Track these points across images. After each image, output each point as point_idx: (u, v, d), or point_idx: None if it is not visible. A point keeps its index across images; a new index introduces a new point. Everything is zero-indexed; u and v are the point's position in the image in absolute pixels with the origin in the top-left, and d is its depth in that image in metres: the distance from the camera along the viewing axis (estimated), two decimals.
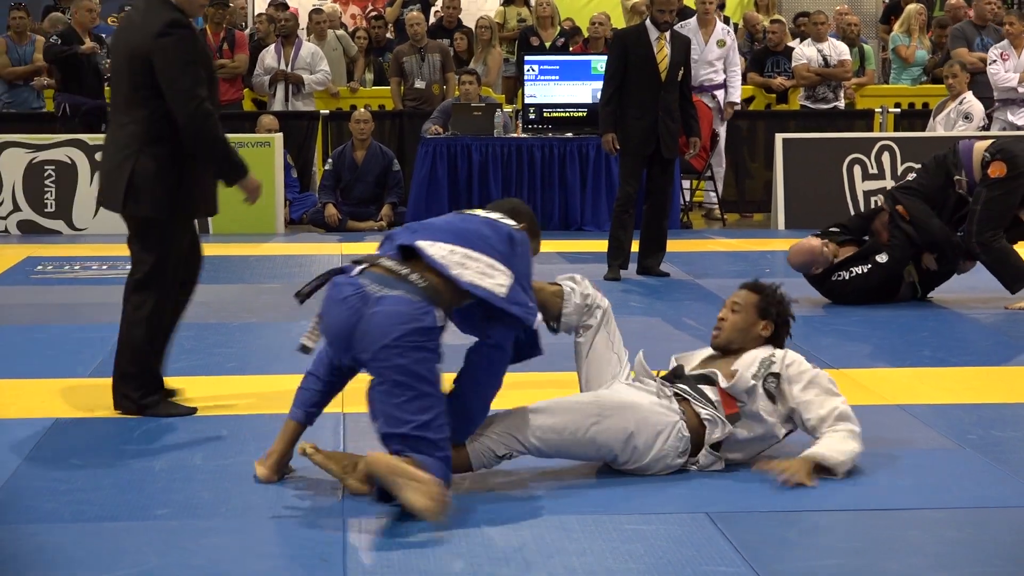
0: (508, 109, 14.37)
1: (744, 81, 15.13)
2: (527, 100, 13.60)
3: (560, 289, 5.36)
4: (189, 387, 6.48)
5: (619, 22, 16.20)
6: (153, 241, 6.08)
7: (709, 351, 5.51)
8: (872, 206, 11.96)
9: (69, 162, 13.20)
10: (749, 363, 5.27)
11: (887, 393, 6.63)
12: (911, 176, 9.31)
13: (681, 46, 10.36)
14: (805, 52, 14.93)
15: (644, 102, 10.17)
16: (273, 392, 6.54)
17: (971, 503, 4.94)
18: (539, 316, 5.05)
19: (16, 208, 13.22)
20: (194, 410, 6.20)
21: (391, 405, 4.73)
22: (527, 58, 13.95)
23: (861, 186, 13.39)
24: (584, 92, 13.39)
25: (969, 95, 13.51)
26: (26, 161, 13.20)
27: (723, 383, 5.23)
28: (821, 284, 9.15)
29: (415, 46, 14.89)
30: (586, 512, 4.78)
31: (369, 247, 12.22)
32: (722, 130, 13.99)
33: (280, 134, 13.40)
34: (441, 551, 4.44)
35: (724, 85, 13.94)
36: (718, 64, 13.82)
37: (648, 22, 10.34)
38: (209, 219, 6.20)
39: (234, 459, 5.45)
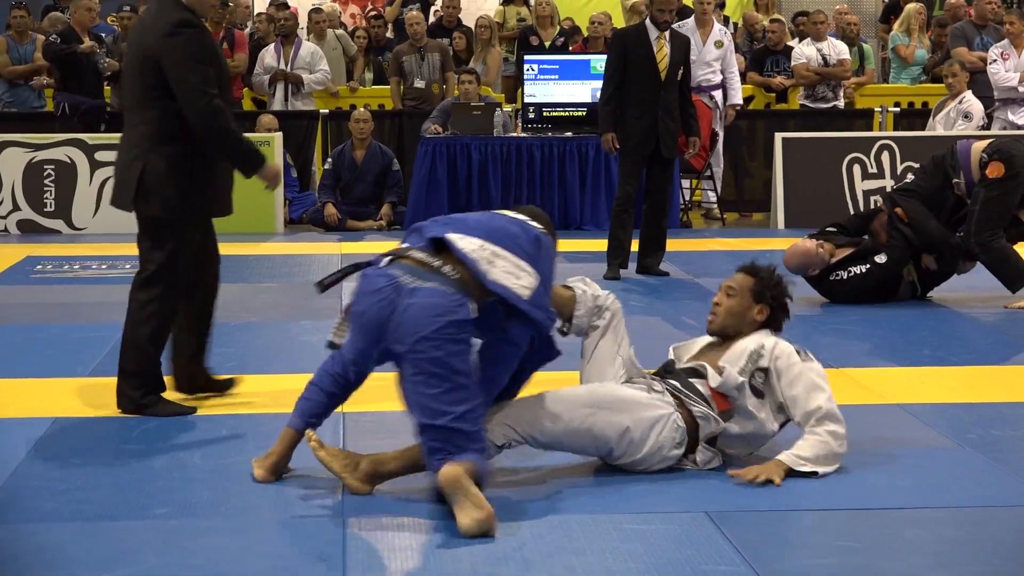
0: (508, 108, 14.36)
1: (744, 80, 15.13)
2: (527, 99, 13.60)
3: (573, 294, 5.37)
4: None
5: (620, 22, 16.19)
6: (162, 240, 6.10)
7: (707, 339, 5.50)
8: (872, 205, 11.98)
9: (69, 161, 13.19)
10: (737, 357, 5.26)
11: (887, 392, 6.63)
12: (909, 178, 9.32)
13: (681, 46, 10.36)
14: (804, 51, 14.93)
15: (644, 101, 10.17)
16: (272, 391, 6.54)
17: (970, 502, 4.94)
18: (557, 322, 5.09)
19: (16, 207, 13.22)
20: (193, 410, 6.20)
21: (427, 396, 4.73)
22: (526, 57, 13.94)
23: (861, 185, 13.38)
24: (584, 91, 13.39)
25: (969, 94, 13.50)
26: (25, 160, 13.19)
27: (712, 381, 5.22)
28: (819, 284, 9.15)
29: (415, 45, 14.89)
30: (586, 512, 4.78)
31: (368, 246, 12.25)
32: (720, 129, 13.97)
33: (280, 133, 13.39)
34: (441, 550, 4.44)
35: (722, 86, 13.93)
36: (716, 64, 13.81)
37: (648, 22, 10.34)
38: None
39: (233, 459, 5.45)
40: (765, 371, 5.23)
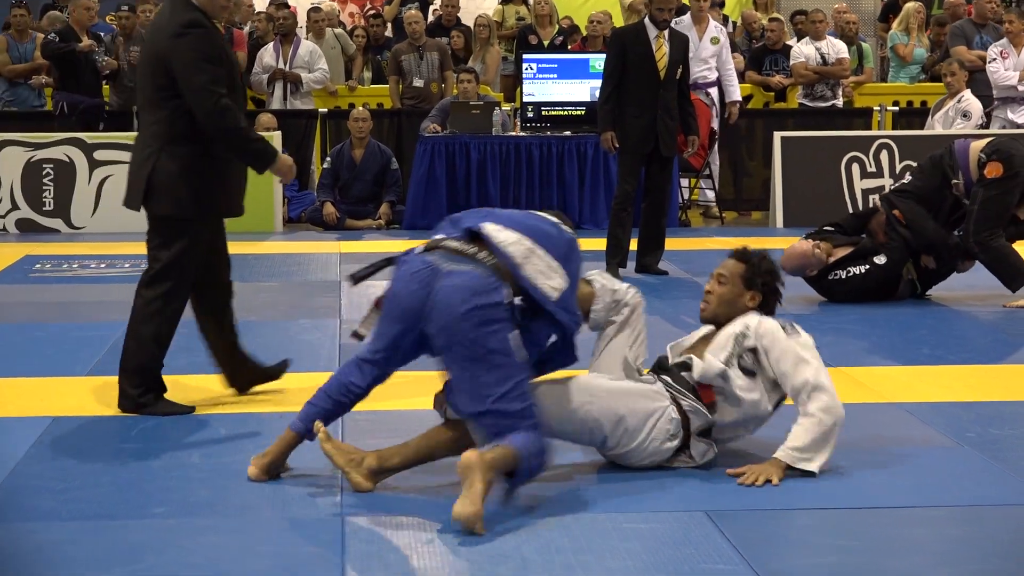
0: (506, 107, 14.37)
1: (742, 79, 15.14)
2: (525, 98, 13.60)
3: (592, 289, 5.37)
4: (186, 385, 6.48)
5: (620, 20, 16.19)
6: (171, 239, 6.11)
7: (702, 332, 5.48)
8: (870, 204, 11.97)
9: (67, 160, 13.19)
10: (724, 343, 5.25)
11: (885, 391, 6.63)
12: (906, 178, 9.32)
13: (680, 44, 10.37)
14: (803, 50, 14.93)
15: (643, 100, 10.17)
16: (271, 390, 6.54)
17: (969, 501, 4.94)
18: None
19: (14, 206, 13.22)
20: (192, 409, 6.20)
21: (467, 381, 4.76)
22: (525, 56, 13.94)
23: (859, 184, 13.38)
24: (582, 90, 13.39)
25: (967, 93, 13.50)
26: (24, 159, 13.19)
27: (696, 372, 5.22)
28: (818, 284, 9.15)
29: (413, 44, 14.89)
30: (585, 511, 4.78)
31: (367, 245, 12.25)
32: (715, 126, 13.96)
33: (278, 132, 13.38)
34: (439, 549, 4.44)
35: (717, 83, 13.92)
36: (712, 62, 13.80)
37: (647, 20, 10.34)
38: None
39: (232, 458, 5.45)
40: (753, 350, 5.21)
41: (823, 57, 14.86)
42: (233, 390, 6.49)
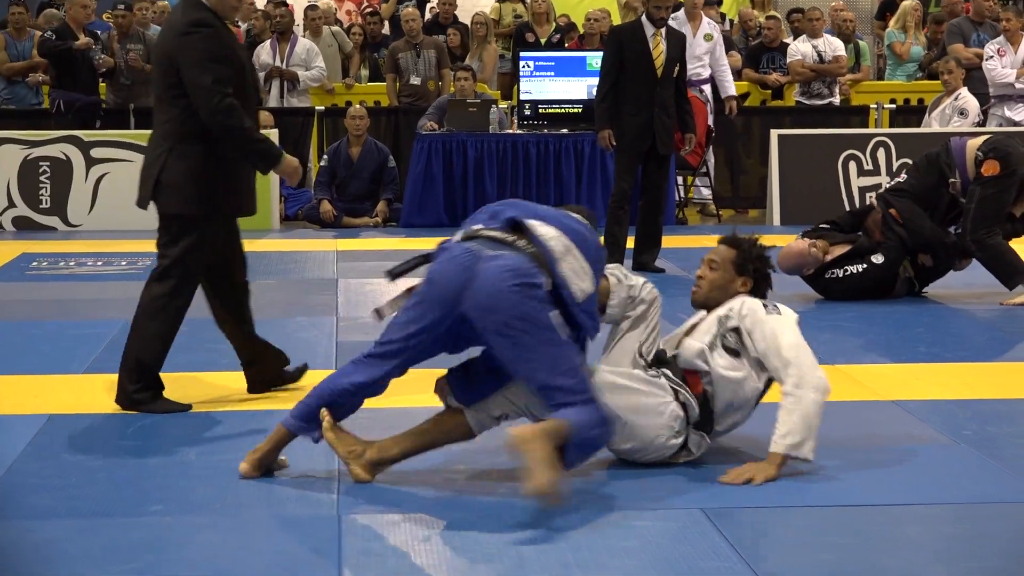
0: (503, 105, 14.37)
1: (739, 77, 15.14)
2: (522, 96, 13.59)
3: (607, 284, 5.37)
4: (183, 383, 6.47)
5: (618, 18, 16.20)
6: (180, 237, 6.12)
7: (693, 319, 5.47)
8: (867, 202, 11.96)
9: (64, 158, 13.19)
10: (707, 328, 5.26)
11: (882, 389, 6.63)
12: (902, 176, 9.32)
13: (677, 42, 10.37)
14: (800, 48, 14.93)
15: (640, 98, 10.18)
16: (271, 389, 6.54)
17: (966, 499, 4.94)
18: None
19: (11, 204, 13.21)
20: (188, 407, 6.20)
21: (518, 357, 4.77)
22: (522, 54, 13.93)
23: (856, 182, 13.39)
24: (579, 88, 13.38)
25: (964, 91, 13.51)
26: (21, 157, 13.19)
27: (680, 360, 5.23)
28: (815, 282, 9.16)
29: (410, 42, 14.88)
30: (581, 508, 4.77)
31: (364, 243, 12.25)
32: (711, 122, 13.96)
33: (275, 130, 13.37)
34: (436, 547, 4.44)
35: (711, 80, 13.91)
36: (705, 59, 13.77)
37: (644, 18, 10.34)
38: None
39: (229, 455, 5.44)
40: (736, 330, 5.21)
41: (820, 55, 14.86)
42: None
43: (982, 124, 13.53)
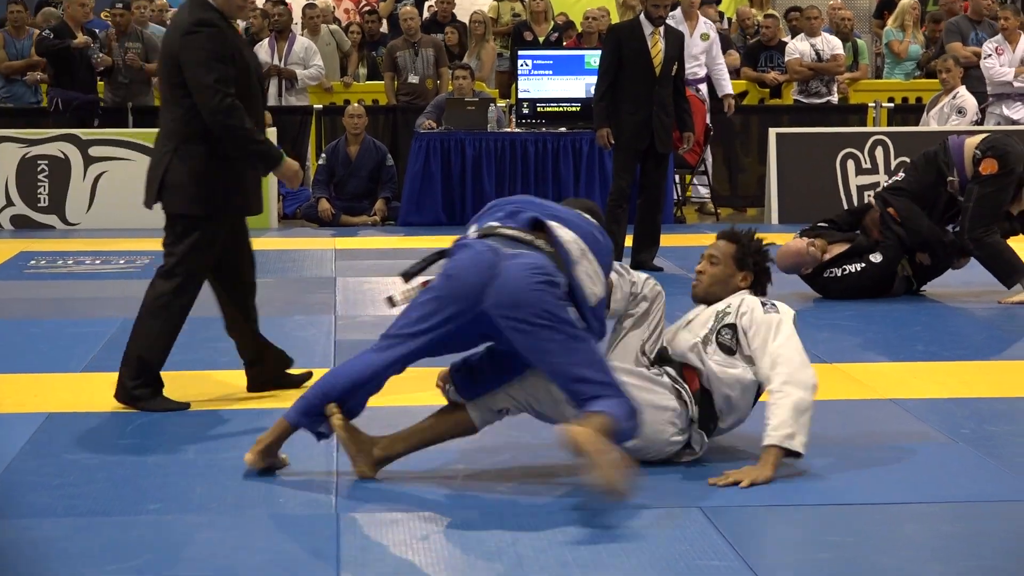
0: (501, 104, 14.37)
1: (737, 76, 15.16)
2: (521, 95, 13.59)
3: (611, 281, 5.37)
4: (181, 382, 6.47)
5: (617, 17, 16.19)
6: (184, 235, 6.14)
7: (691, 315, 5.46)
8: (865, 201, 11.97)
9: (62, 157, 13.18)
10: (704, 322, 5.26)
11: (880, 387, 6.63)
12: (900, 175, 9.32)
13: (675, 41, 10.37)
14: (798, 47, 14.93)
15: (638, 97, 10.18)
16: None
17: (964, 497, 4.94)
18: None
19: (9, 203, 13.21)
20: (187, 405, 6.19)
21: (543, 357, 4.78)
22: (521, 53, 13.94)
23: (854, 181, 13.40)
24: (578, 87, 13.38)
25: (962, 89, 13.51)
26: (19, 156, 13.19)
27: (672, 354, 5.24)
28: (813, 281, 9.16)
29: (409, 41, 14.88)
30: (579, 506, 4.78)
31: (362, 242, 12.25)
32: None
33: (273, 129, 13.35)
34: (434, 545, 4.44)
35: (707, 79, 13.90)
36: (701, 58, 13.78)
37: (642, 17, 10.35)
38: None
39: (227, 454, 5.45)
40: (732, 327, 5.21)
41: (818, 53, 14.86)
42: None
43: (980, 122, 13.54)
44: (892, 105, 15.09)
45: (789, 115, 14.66)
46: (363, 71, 16.07)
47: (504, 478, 5.09)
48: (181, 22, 6.16)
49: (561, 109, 13.48)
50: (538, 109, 13.47)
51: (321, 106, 14.75)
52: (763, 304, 5.24)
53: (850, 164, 13.41)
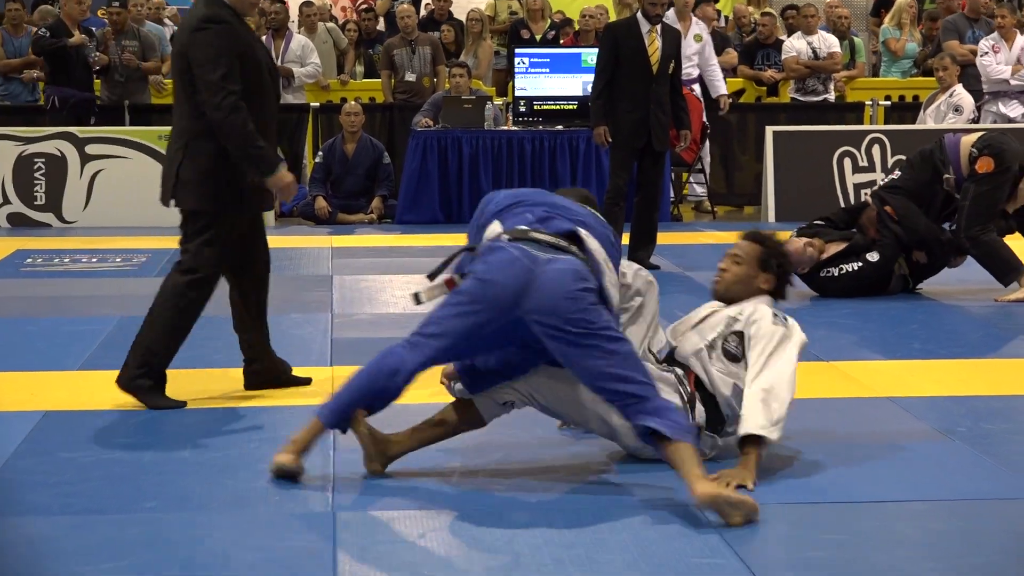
0: (498, 102, 14.36)
1: (734, 74, 15.16)
2: (517, 93, 13.59)
3: None
4: (178, 380, 6.46)
5: (615, 15, 16.19)
6: (196, 232, 6.15)
7: (702, 312, 5.46)
8: (862, 199, 11.98)
9: (59, 155, 13.18)
10: (714, 325, 5.25)
11: (877, 385, 6.63)
12: (896, 173, 9.32)
13: (672, 39, 10.38)
14: (795, 45, 14.94)
15: (635, 95, 10.18)
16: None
17: (960, 495, 4.94)
18: None
19: (6, 201, 13.21)
20: (183, 403, 6.19)
21: (582, 360, 4.79)
22: (517, 51, 13.94)
23: (851, 179, 13.40)
24: (575, 85, 13.39)
25: (959, 88, 13.52)
26: (15, 154, 13.18)
27: (677, 355, 5.23)
28: (810, 280, 9.16)
29: (406, 39, 14.88)
30: (574, 505, 4.78)
31: (359, 240, 12.25)
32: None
33: None
34: (431, 543, 4.44)
35: (700, 79, 13.90)
36: (695, 59, 13.77)
37: (639, 15, 10.35)
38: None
39: (224, 452, 5.45)
40: (739, 335, 5.21)
41: (815, 51, 14.87)
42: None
43: (976, 120, 13.55)
44: (889, 103, 15.10)
45: (786, 113, 14.67)
46: (360, 69, 16.06)
47: (500, 476, 5.09)
48: (191, 19, 6.17)
49: (558, 107, 13.49)
50: (535, 107, 13.47)
51: (318, 104, 14.74)
52: (775, 315, 5.22)
53: (847, 162, 13.42)
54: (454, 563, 4.28)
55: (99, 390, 6.29)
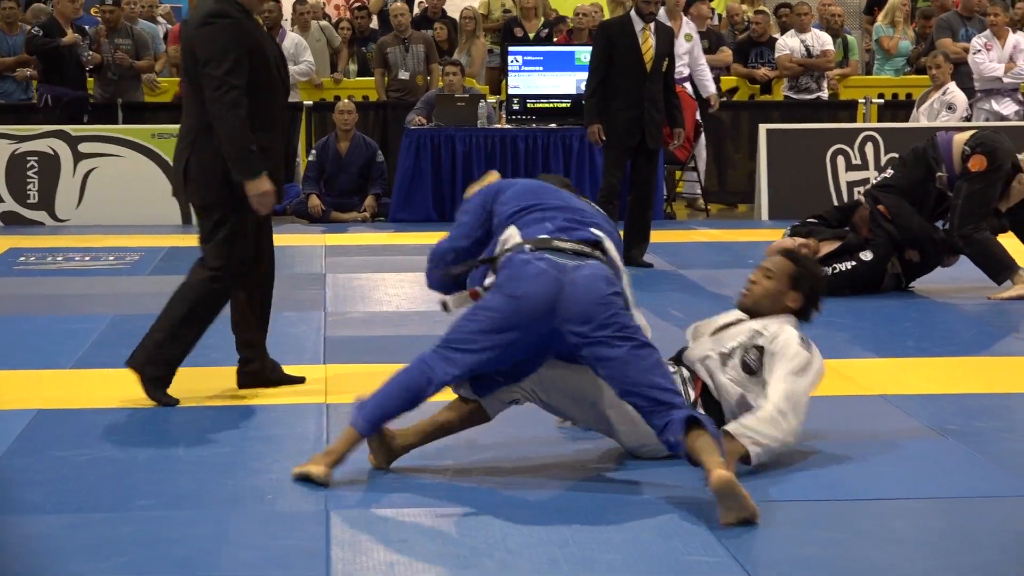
0: (492, 100, 14.35)
1: (728, 72, 15.17)
2: (511, 91, 13.59)
3: None
4: (176, 378, 6.46)
5: (608, 13, 16.19)
6: (209, 227, 6.15)
7: (728, 318, 5.44)
8: (855, 197, 11.98)
9: (52, 153, 13.16)
10: (735, 335, 5.25)
11: (870, 383, 6.64)
12: (888, 171, 9.33)
13: (666, 37, 10.38)
14: (788, 43, 14.94)
15: (629, 93, 10.19)
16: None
17: (953, 493, 4.95)
18: None
19: None
20: (177, 401, 6.18)
21: (614, 365, 4.82)
22: (511, 49, 13.93)
23: (844, 177, 13.40)
24: (568, 83, 13.38)
25: (952, 85, 13.53)
26: (8, 152, 13.16)
27: (686, 359, 5.25)
28: None
29: (399, 37, 14.87)
30: (569, 503, 4.78)
31: (352, 238, 12.24)
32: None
33: None
34: (424, 542, 4.44)
35: (690, 79, 13.89)
36: (685, 58, 13.76)
37: (633, 13, 10.35)
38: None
39: (217, 450, 5.45)
40: (760, 349, 5.20)
41: (808, 49, 14.87)
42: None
43: (969, 118, 13.56)
44: (882, 101, 15.11)
45: (779, 111, 14.67)
46: (353, 67, 16.06)
47: (496, 474, 5.10)
48: (198, 15, 6.18)
49: (551, 105, 13.48)
50: (528, 105, 13.46)
51: (311, 102, 14.73)
52: (801, 339, 5.22)
53: (840, 160, 13.42)
54: (448, 561, 4.28)
55: (93, 388, 6.29)
